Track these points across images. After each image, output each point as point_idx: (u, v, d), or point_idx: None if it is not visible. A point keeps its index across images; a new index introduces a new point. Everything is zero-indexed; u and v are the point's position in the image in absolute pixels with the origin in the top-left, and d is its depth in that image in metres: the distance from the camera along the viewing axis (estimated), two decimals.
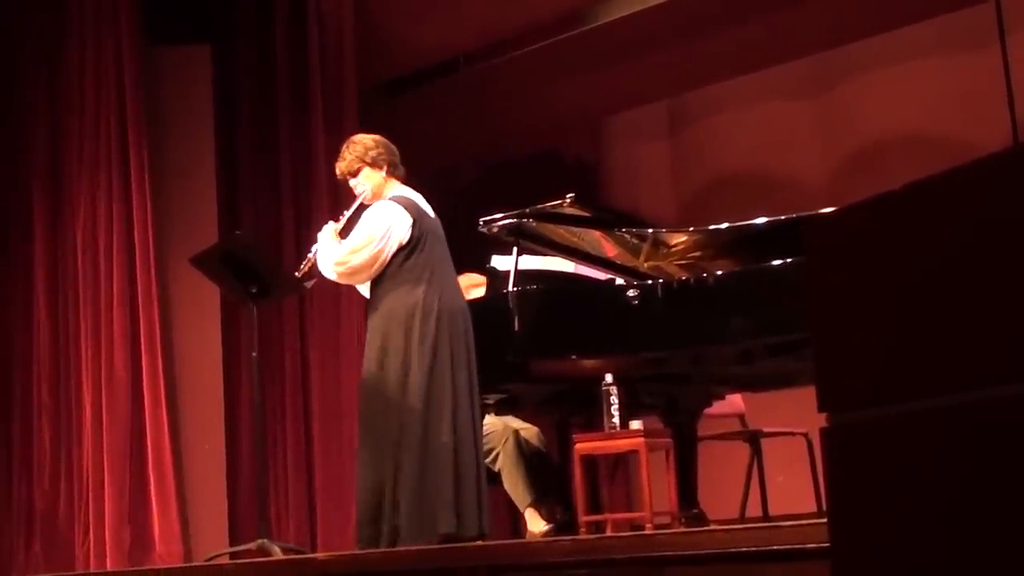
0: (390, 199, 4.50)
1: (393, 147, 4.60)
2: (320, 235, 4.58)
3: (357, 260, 4.40)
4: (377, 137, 4.60)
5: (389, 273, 4.42)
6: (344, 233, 4.55)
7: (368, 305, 4.53)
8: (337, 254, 4.44)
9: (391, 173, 4.56)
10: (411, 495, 4.22)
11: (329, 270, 4.48)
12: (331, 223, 4.58)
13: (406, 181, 4.62)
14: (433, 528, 4.20)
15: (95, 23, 6.78)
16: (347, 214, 4.54)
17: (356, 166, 4.54)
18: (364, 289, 4.58)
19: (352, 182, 4.57)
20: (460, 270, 5.35)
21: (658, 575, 3.07)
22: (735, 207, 5.87)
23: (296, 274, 4.75)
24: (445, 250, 4.55)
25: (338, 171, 4.62)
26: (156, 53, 6.87)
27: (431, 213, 4.55)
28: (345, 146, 4.62)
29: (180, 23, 6.97)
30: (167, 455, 6.37)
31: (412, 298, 4.36)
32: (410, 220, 4.42)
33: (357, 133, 4.89)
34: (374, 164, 4.53)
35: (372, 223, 4.43)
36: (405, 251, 4.40)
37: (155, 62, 6.85)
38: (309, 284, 5.57)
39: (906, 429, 1.31)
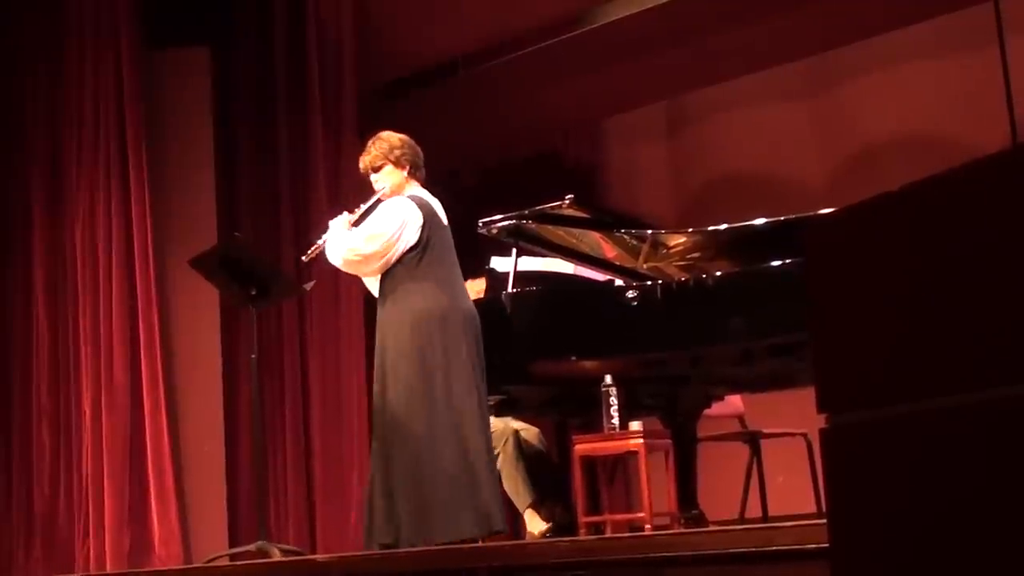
0: (407, 197, 4.51)
1: (418, 149, 4.63)
2: (332, 223, 4.58)
3: (369, 248, 4.41)
4: (404, 137, 4.62)
5: (399, 274, 4.43)
6: (357, 225, 4.56)
7: (379, 307, 4.53)
8: (349, 241, 4.46)
9: (412, 174, 4.58)
10: (415, 496, 4.24)
11: (338, 257, 4.48)
12: (345, 213, 4.59)
13: (425, 185, 4.63)
14: (451, 531, 4.22)
15: (94, 26, 6.78)
16: (363, 207, 4.56)
17: (379, 162, 4.57)
18: (373, 287, 4.58)
19: (373, 177, 4.59)
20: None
21: None
22: (734, 208, 5.86)
23: (303, 258, 4.76)
24: (454, 258, 4.56)
25: (361, 165, 4.64)
26: (155, 56, 6.87)
27: (444, 221, 4.56)
28: (371, 141, 4.64)
29: (179, 26, 6.97)
30: (166, 457, 6.37)
31: (427, 303, 4.37)
32: (421, 221, 4.43)
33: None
34: (397, 163, 4.55)
35: (387, 215, 4.45)
36: (415, 253, 4.41)
37: (154, 65, 6.85)
38: (308, 286, 5.57)
39: (905, 430, 1.32)
